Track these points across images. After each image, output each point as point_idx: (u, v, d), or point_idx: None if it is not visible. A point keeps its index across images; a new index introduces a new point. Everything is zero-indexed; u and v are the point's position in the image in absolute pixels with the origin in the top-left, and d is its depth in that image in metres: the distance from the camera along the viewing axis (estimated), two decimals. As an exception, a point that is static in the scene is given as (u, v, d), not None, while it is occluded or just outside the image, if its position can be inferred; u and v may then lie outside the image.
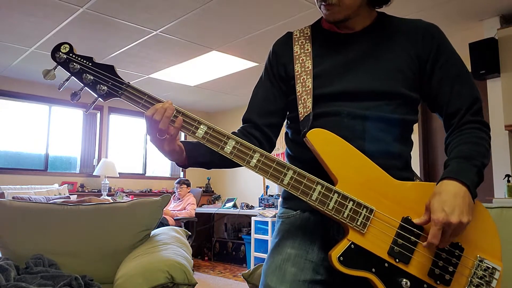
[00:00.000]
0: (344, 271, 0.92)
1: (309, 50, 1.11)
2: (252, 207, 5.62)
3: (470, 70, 3.08)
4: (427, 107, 1.12)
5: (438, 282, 0.94)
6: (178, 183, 5.59)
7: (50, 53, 1.00)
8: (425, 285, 0.94)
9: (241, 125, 1.19)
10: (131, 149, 6.65)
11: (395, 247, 0.95)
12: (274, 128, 1.17)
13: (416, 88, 1.07)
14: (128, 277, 1.59)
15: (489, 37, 3.48)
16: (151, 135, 0.98)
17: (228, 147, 0.97)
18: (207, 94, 6.14)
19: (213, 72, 5.13)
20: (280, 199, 1.19)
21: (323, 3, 1.03)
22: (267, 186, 6.00)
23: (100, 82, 0.99)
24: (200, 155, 1.06)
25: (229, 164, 1.03)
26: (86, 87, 1.00)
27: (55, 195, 4.91)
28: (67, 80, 1.02)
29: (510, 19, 3.54)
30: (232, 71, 5.07)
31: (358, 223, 0.95)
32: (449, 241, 0.92)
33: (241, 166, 1.01)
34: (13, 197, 4.33)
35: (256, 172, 0.96)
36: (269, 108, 1.16)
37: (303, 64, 1.10)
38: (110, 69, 1.00)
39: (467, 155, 0.98)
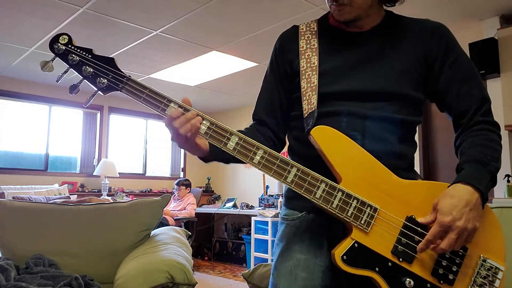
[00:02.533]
0: (347, 270, 0.91)
1: (316, 45, 1.10)
2: (252, 207, 5.62)
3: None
4: (437, 106, 1.11)
5: (441, 281, 0.94)
6: (177, 184, 5.59)
7: (50, 52, 0.98)
8: (428, 285, 0.94)
9: (252, 122, 1.18)
10: (131, 149, 6.65)
11: (399, 246, 0.94)
12: (282, 125, 1.17)
13: (421, 89, 1.06)
14: (128, 277, 1.59)
15: (489, 37, 3.48)
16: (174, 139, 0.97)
17: (231, 143, 0.95)
18: (207, 94, 6.14)
19: (213, 72, 5.13)
20: (283, 199, 1.17)
21: (334, 3, 1.01)
22: (267, 186, 6.00)
23: (100, 75, 0.96)
24: (220, 153, 1.03)
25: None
26: (85, 80, 0.97)
27: (55, 195, 4.91)
28: (65, 72, 0.99)
29: (510, 19, 3.54)
30: (232, 71, 5.07)
31: (362, 222, 0.94)
32: (453, 244, 0.90)
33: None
34: (13, 197, 4.33)
35: (259, 169, 0.94)
36: (275, 105, 1.15)
37: (308, 60, 1.08)
38: (110, 61, 0.97)
39: (481, 159, 0.96)
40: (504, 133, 3.43)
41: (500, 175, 3.37)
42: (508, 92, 3.40)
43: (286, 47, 1.14)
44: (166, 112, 0.95)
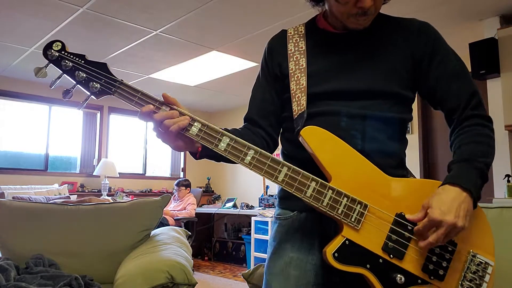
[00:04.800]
0: (338, 267, 0.92)
1: (303, 48, 1.11)
2: (252, 207, 5.62)
3: (470, 70, 3.08)
4: (429, 104, 1.12)
5: (432, 277, 0.95)
6: (176, 185, 5.58)
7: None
8: (419, 281, 0.95)
9: (243, 124, 1.19)
10: (131, 149, 6.65)
11: (389, 243, 0.95)
12: (275, 127, 1.17)
13: (410, 87, 1.08)
14: (128, 277, 1.59)
15: (489, 37, 3.48)
16: (156, 133, 0.98)
17: (222, 144, 0.96)
18: (207, 94, 6.14)
19: (213, 72, 5.13)
20: (276, 200, 1.19)
21: (362, 16, 1.00)
22: (267, 186, 6.00)
23: (93, 79, 0.98)
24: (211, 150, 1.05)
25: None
26: (78, 85, 0.99)
27: (55, 195, 4.91)
28: (58, 77, 1.01)
29: (510, 19, 3.54)
30: (232, 71, 5.07)
31: (353, 219, 0.95)
32: (440, 239, 0.91)
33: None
34: (13, 197, 4.33)
35: (251, 169, 0.95)
36: (268, 108, 1.16)
37: (297, 62, 1.10)
38: (103, 66, 0.99)
39: (469, 157, 0.97)
40: (504, 133, 3.43)
41: (500, 175, 3.37)
42: (508, 92, 3.40)
43: (275, 51, 1.16)
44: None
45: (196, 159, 1.07)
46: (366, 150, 1.00)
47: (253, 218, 5.01)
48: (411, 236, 0.95)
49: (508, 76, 3.41)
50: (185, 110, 0.99)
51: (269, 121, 1.16)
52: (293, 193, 0.95)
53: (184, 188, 5.55)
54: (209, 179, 7.25)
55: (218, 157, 1.04)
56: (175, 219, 5.09)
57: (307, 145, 0.99)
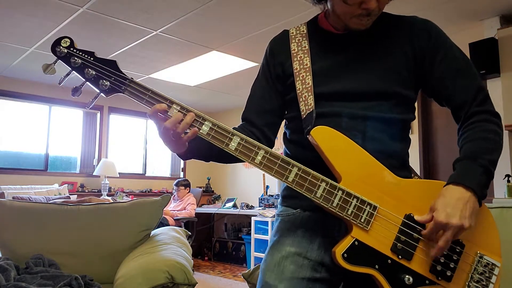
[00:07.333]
0: (348, 267, 0.93)
1: (307, 47, 1.11)
2: (252, 207, 5.62)
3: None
4: (435, 102, 1.12)
5: (439, 278, 0.96)
6: (176, 185, 5.58)
7: (50, 53, 0.99)
8: (427, 281, 0.95)
9: (241, 123, 1.19)
10: (131, 149, 6.65)
11: (398, 244, 0.95)
12: (272, 127, 1.17)
13: (412, 87, 1.07)
14: (128, 277, 1.59)
15: (489, 37, 3.48)
16: (161, 133, 0.98)
17: (233, 144, 0.96)
18: (207, 94, 6.14)
19: (213, 72, 5.13)
20: (279, 198, 1.19)
21: (365, 17, 1.00)
22: (267, 186, 6.00)
23: (102, 77, 0.97)
24: (199, 150, 1.06)
25: (227, 159, 1.04)
26: (87, 82, 0.98)
27: (55, 195, 4.91)
28: (67, 75, 1.00)
29: (510, 19, 3.54)
30: (232, 71, 5.07)
31: (362, 220, 0.95)
32: (449, 242, 0.92)
33: (240, 162, 1.02)
34: (13, 197, 4.33)
35: (261, 169, 0.95)
36: (266, 107, 1.16)
37: (301, 62, 1.09)
38: (112, 64, 0.98)
39: (473, 154, 0.97)
40: (504, 133, 3.42)
41: (500, 175, 3.37)
42: (508, 92, 3.40)
43: (277, 51, 1.16)
44: (168, 113, 0.96)
45: (184, 159, 1.08)
46: (368, 151, 1.00)
47: (253, 218, 5.01)
48: (419, 237, 0.96)
49: (508, 76, 3.41)
50: (193, 109, 0.98)
51: (265, 120, 1.16)
52: (303, 193, 0.95)
53: (183, 188, 5.55)
54: (209, 179, 7.25)
55: (206, 157, 1.07)
56: (175, 219, 5.09)
57: (317, 145, 0.99)
